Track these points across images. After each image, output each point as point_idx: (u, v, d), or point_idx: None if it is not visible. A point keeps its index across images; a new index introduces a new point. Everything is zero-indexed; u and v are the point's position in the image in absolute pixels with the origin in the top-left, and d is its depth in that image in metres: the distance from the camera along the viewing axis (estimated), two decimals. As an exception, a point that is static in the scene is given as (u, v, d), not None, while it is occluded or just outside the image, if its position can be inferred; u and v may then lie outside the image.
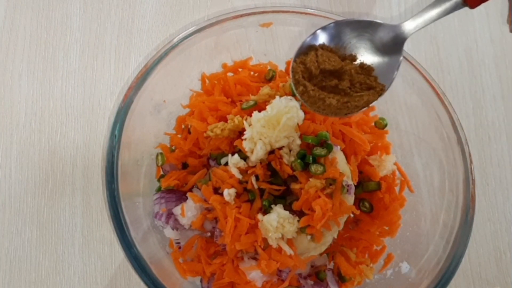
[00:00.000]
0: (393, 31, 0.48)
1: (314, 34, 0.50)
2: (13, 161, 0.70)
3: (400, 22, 0.48)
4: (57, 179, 0.70)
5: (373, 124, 0.66)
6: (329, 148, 0.59)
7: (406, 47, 0.49)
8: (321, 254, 0.62)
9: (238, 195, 0.59)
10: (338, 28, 0.49)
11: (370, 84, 0.50)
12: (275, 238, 0.56)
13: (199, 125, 0.63)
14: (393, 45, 0.48)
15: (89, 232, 0.69)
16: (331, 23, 0.50)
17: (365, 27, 0.49)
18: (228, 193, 0.58)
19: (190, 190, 0.63)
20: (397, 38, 0.48)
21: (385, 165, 0.65)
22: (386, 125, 0.66)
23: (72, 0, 0.77)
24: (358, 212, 0.60)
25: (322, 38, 0.50)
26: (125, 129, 0.57)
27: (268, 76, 0.67)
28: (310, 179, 0.57)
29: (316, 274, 0.64)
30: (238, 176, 0.58)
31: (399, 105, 0.67)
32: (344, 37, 0.49)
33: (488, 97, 0.78)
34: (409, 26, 0.47)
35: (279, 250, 0.57)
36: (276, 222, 0.55)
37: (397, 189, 0.66)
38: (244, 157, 0.59)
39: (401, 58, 0.48)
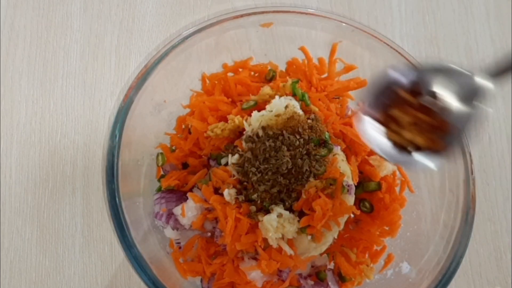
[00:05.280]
0: (472, 81, 0.43)
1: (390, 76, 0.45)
2: (13, 161, 0.70)
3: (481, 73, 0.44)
4: (57, 179, 0.70)
5: (373, 124, 0.66)
6: (330, 148, 0.59)
7: (407, 47, 0.49)
8: (321, 254, 0.62)
9: (238, 195, 0.59)
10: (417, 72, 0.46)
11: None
12: (276, 238, 0.56)
13: (199, 125, 0.63)
14: (469, 95, 0.43)
15: (89, 232, 0.69)
16: (407, 68, 0.46)
17: (445, 72, 0.44)
18: (228, 193, 0.58)
19: (191, 190, 0.63)
20: (475, 89, 0.43)
21: (385, 165, 0.65)
22: (386, 125, 0.66)
23: (72, 0, 0.77)
24: (358, 212, 0.60)
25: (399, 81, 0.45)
26: (125, 129, 0.57)
27: (269, 76, 0.67)
28: (310, 179, 0.57)
29: (317, 274, 0.64)
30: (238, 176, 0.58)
31: (399, 105, 0.67)
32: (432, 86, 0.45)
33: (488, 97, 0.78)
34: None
35: (280, 250, 0.57)
36: (276, 222, 0.55)
37: (397, 189, 0.66)
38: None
39: (483, 111, 0.43)
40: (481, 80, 0.43)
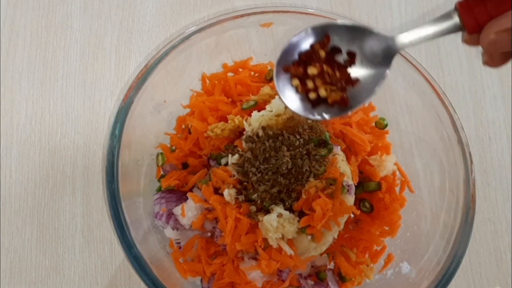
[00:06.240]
0: (385, 42, 0.46)
1: (305, 32, 0.47)
2: (13, 161, 0.70)
3: (395, 34, 0.46)
4: (57, 179, 0.70)
5: (373, 124, 0.66)
6: (330, 148, 0.59)
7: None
8: (321, 254, 0.62)
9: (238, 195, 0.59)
10: (329, 30, 0.48)
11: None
12: (276, 238, 0.56)
13: (199, 125, 0.63)
14: (382, 57, 0.46)
15: (89, 232, 0.69)
16: (322, 24, 0.48)
17: (357, 32, 0.47)
18: (228, 193, 0.58)
19: (191, 190, 0.63)
20: (388, 50, 0.46)
21: (385, 165, 0.65)
22: (386, 125, 0.66)
23: (72, 0, 0.77)
24: (358, 212, 0.60)
25: (313, 38, 0.48)
26: (125, 129, 0.57)
27: (269, 76, 0.67)
28: (310, 179, 0.57)
29: (317, 274, 0.64)
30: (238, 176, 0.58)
31: (399, 105, 0.67)
32: (334, 39, 0.48)
33: (488, 97, 0.78)
34: (402, 40, 0.45)
35: (280, 250, 0.57)
36: (276, 222, 0.55)
37: (397, 189, 0.66)
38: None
39: (388, 72, 0.46)
40: (391, 44, 0.45)
